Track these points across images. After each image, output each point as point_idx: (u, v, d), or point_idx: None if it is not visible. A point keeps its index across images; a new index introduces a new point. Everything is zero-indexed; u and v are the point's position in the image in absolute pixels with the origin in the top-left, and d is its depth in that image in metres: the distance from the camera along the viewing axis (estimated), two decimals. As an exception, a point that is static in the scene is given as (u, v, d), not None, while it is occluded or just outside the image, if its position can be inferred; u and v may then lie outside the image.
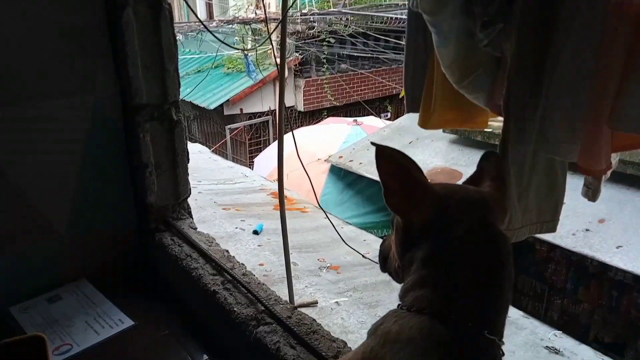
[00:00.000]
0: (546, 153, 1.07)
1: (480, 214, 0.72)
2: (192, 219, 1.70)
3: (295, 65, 9.33)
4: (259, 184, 4.46)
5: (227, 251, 1.48)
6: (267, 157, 6.89)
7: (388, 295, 2.76)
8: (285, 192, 3.70)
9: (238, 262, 1.43)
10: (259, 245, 3.30)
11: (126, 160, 1.58)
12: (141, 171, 1.54)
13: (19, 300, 1.47)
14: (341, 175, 5.77)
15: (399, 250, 0.82)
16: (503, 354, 0.73)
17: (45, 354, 0.96)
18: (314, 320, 1.16)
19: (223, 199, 4.19)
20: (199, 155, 5.42)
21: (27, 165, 1.43)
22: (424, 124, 1.31)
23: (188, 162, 1.63)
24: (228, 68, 9.71)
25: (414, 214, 0.75)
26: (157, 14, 1.45)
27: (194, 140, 10.81)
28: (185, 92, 9.48)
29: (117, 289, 1.54)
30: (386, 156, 0.74)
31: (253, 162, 7.67)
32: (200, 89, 9.40)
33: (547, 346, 2.51)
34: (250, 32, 9.30)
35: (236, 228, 3.58)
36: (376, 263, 2.64)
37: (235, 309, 1.21)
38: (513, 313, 2.74)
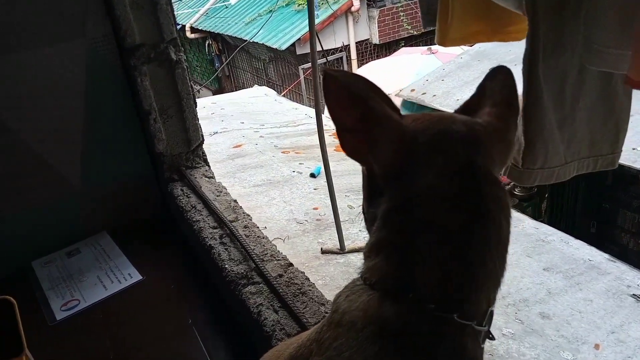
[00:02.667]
0: (589, 64, 0.78)
1: (464, 155, 0.51)
2: (209, 166, 1.59)
3: (368, -6, 8.78)
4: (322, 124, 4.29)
5: (236, 201, 1.36)
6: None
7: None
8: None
9: (245, 213, 1.31)
10: (314, 189, 3.19)
11: (132, 105, 1.48)
12: (145, 118, 1.44)
13: (42, 254, 1.48)
14: (414, 109, 5.41)
15: (365, 203, 0.63)
16: (488, 339, 0.54)
17: (15, 318, 0.91)
18: (307, 279, 1.02)
19: (284, 142, 4.11)
20: (264, 98, 5.34)
21: (31, 120, 1.38)
22: (442, 39, 1.05)
23: (195, 105, 1.50)
24: (299, 5, 9.38)
25: (374, 158, 0.55)
26: (138, -61, 1.28)
27: (271, 83, 10.81)
28: (259, 35, 9.39)
29: (135, 240, 1.50)
30: (335, 83, 0.53)
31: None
32: (273, 30, 9.24)
33: (634, 294, 2.19)
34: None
35: (293, 172, 3.49)
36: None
37: (227, 265, 1.10)
38: (595, 256, 2.42)
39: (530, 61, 0.82)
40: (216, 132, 4.20)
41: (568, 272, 2.27)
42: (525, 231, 2.60)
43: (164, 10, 1.36)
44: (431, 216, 0.49)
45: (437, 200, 0.49)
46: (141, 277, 1.33)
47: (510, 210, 0.53)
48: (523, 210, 4.71)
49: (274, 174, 3.42)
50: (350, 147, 0.56)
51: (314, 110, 4.88)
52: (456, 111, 0.62)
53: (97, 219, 1.55)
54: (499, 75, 0.61)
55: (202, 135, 1.55)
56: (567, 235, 2.56)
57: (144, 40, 1.37)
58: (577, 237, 2.54)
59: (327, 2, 8.21)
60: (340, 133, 0.55)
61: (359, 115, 0.53)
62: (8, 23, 1.28)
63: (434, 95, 5.00)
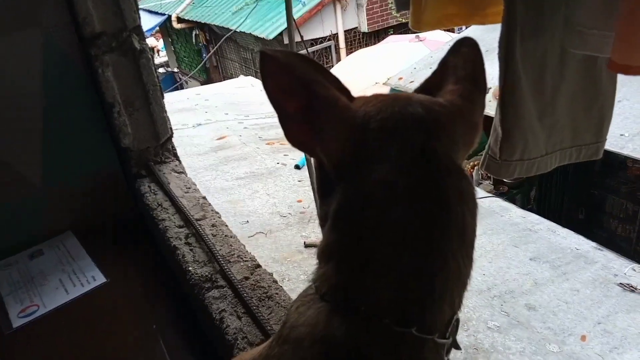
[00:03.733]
0: (570, 47, 0.72)
1: (420, 141, 0.44)
2: (179, 161, 1.52)
3: (355, -19, 8.65)
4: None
5: (205, 198, 1.29)
6: (325, 85, 6.57)
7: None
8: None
9: (214, 211, 1.24)
10: (299, 181, 3.13)
11: (96, 98, 1.40)
12: (109, 111, 1.36)
13: (3, 256, 1.40)
14: (401, 98, 5.35)
15: (318, 200, 0.56)
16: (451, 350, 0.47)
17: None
18: (274, 282, 0.95)
19: (268, 134, 4.03)
20: (250, 88, 5.25)
21: (-17, 116, 1.30)
22: (416, 23, 0.98)
23: (162, 97, 1.42)
24: (286, -7, 9.24)
25: (322, 148, 0.49)
26: None
27: (259, 73, 10.68)
28: (246, 24, 9.25)
29: (101, 240, 1.43)
30: (274, 65, 0.46)
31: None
32: (260, 19, 9.12)
33: (620, 283, 2.16)
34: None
35: (277, 163, 3.43)
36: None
37: (190, 267, 1.03)
38: (583, 244, 2.38)
39: (506, 44, 0.76)
40: (199, 124, 4.12)
41: (555, 261, 2.23)
42: (512, 220, 2.56)
43: (124, -4, 1.28)
44: (384, 215, 0.43)
45: (390, 196, 0.43)
46: (105, 280, 1.26)
47: (476, 201, 0.46)
48: (512, 198, 4.69)
49: (258, 166, 3.36)
50: (294, 137, 0.49)
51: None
52: (416, 90, 0.55)
53: (62, 218, 1.47)
54: (463, 48, 0.54)
55: (171, 129, 1.48)
56: (554, 224, 2.53)
57: (104, 29, 1.29)
58: (566, 224, 2.50)
59: (313, -11, 8.09)
60: (283, 121, 0.49)
61: (303, 101, 0.46)
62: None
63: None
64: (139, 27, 1.34)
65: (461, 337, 1.82)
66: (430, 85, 0.54)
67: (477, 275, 2.05)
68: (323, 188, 0.53)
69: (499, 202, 2.65)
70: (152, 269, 1.29)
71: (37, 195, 1.42)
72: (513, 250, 2.28)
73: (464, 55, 0.53)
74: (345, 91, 0.49)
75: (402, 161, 0.43)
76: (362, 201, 0.44)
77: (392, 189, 0.43)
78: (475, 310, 1.94)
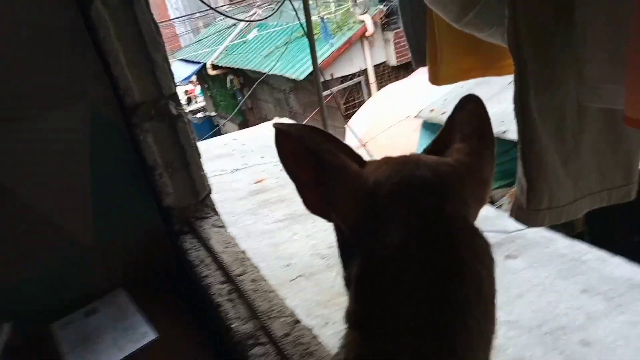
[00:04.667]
0: (584, 101, 0.73)
1: (430, 204, 0.46)
2: (218, 215, 1.58)
3: (381, 18, 8.83)
4: (342, 152, 4.26)
5: (244, 252, 1.34)
6: (358, 121, 6.66)
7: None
8: (370, 159, 3.52)
9: (253, 265, 1.28)
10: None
11: (138, 161, 1.49)
12: (151, 173, 1.45)
13: (61, 315, 1.48)
14: (435, 130, 5.33)
15: (341, 264, 0.59)
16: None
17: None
18: (314, 337, 0.98)
19: (304, 174, 4.09)
20: (284, 130, 5.37)
21: (38, 183, 1.40)
22: (434, 79, 1.01)
23: (199, 157, 1.50)
24: (315, 34, 9.52)
25: (337, 215, 0.52)
26: (130, 0, 1.31)
27: (292, 113, 10.92)
28: (277, 67, 9.54)
29: (149, 296, 1.49)
30: (287, 138, 0.51)
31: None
32: (290, 61, 9.39)
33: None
34: (331, -8, 8.98)
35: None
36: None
37: (234, 324, 1.07)
38: (637, 274, 2.27)
39: (521, 100, 0.78)
40: (237, 169, 4.24)
41: (608, 293, 2.14)
42: (557, 251, 2.48)
43: (161, 67, 1.38)
44: (399, 281, 0.44)
45: (404, 261, 0.44)
46: (155, 336, 1.31)
47: (491, 256, 0.47)
48: (555, 226, 4.54)
49: (296, 208, 3.41)
50: (310, 205, 0.53)
51: (333, 139, 4.86)
52: (426, 149, 0.58)
53: (112, 276, 1.55)
54: (468, 105, 0.56)
55: (209, 186, 1.55)
56: (604, 252, 2.43)
57: (144, 98, 1.39)
58: (619, 248, 2.39)
59: (341, 29, 8.29)
60: (299, 189, 0.52)
61: (315, 170, 0.49)
62: (13, 93, 1.31)
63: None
64: (174, 94, 1.44)
65: (514, 378, 1.76)
66: (439, 144, 0.56)
67: (526, 312, 2.00)
68: (344, 251, 0.56)
69: (542, 232, 2.58)
70: (199, 324, 1.34)
71: (88, 254, 1.51)
72: (562, 283, 2.21)
73: (470, 112, 0.55)
74: (356, 158, 0.53)
75: (413, 225, 0.45)
76: (378, 267, 0.46)
77: (405, 253, 0.44)
78: (527, 349, 1.87)
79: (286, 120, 5.76)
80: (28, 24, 1.28)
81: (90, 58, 1.36)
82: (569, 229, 4.71)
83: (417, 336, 0.43)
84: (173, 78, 1.42)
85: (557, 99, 0.80)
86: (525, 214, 0.86)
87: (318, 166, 0.49)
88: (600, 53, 0.70)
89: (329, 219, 0.54)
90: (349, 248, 0.51)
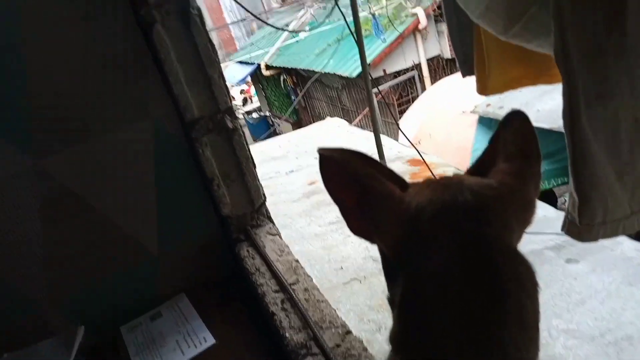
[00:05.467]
0: (636, 113, 0.71)
1: (471, 229, 0.46)
2: (273, 223, 1.64)
3: (434, 10, 8.65)
4: (395, 152, 4.28)
5: (297, 261, 1.38)
6: (410, 118, 6.57)
7: (538, 268, 2.37)
8: (424, 157, 3.46)
9: (306, 274, 1.32)
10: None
11: (197, 172, 1.58)
12: (209, 184, 1.52)
13: (129, 319, 1.60)
14: (492, 125, 5.19)
15: (387, 285, 0.61)
16: None
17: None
18: (365, 349, 1.00)
19: (356, 175, 4.11)
20: (337, 129, 5.41)
21: (110, 197, 1.51)
22: (482, 89, 1.01)
23: (254, 167, 1.56)
24: (365, 30, 9.48)
25: (380, 239, 0.54)
26: (187, 23, 1.38)
27: (345, 110, 10.93)
28: (329, 65, 9.58)
29: (209, 302, 1.57)
30: (330, 163, 0.53)
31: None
32: (342, 58, 9.40)
33: None
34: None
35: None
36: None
37: (287, 334, 1.12)
38: None
39: (571, 113, 0.76)
40: (292, 171, 4.32)
41: (679, 301, 2.02)
42: (624, 254, 2.36)
43: (217, 83, 1.45)
44: (440, 307, 0.45)
45: (445, 287, 0.45)
46: (214, 341, 1.38)
47: (535, 282, 0.47)
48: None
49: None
50: (355, 228, 0.55)
51: (385, 137, 4.82)
52: (468, 170, 0.58)
53: (175, 281, 1.65)
54: (513, 123, 0.55)
55: (264, 195, 1.60)
56: (675, 256, 2.30)
57: (202, 113, 1.46)
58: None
59: (393, 24, 8.21)
60: (343, 213, 0.55)
61: (359, 194, 0.51)
62: (80, 115, 1.42)
63: (513, 108, 4.78)
64: (230, 108, 1.50)
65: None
66: (483, 163, 0.56)
67: (588, 320, 1.92)
68: (388, 273, 0.58)
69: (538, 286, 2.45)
70: (255, 330, 1.40)
71: (153, 261, 1.61)
72: (628, 289, 2.11)
73: (515, 130, 0.54)
74: (399, 181, 0.54)
75: (454, 251, 0.46)
76: (419, 292, 0.47)
77: (446, 280, 0.45)
78: None
79: (339, 120, 5.79)
80: (98, 49, 1.38)
81: (153, 78, 1.45)
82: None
83: None
84: (228, 93, 1.49)
85: (609, 111, 0.78)
86: (577, 229, 0.84)
87: (361, 191, 0.52)
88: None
89: (373, 242, 0.56)
90: (393, 271, 0.53)
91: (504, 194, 0.49)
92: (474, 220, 0.47)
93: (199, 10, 1.40)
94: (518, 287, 0.46)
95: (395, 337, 0.50)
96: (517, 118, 0.56)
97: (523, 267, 0.47)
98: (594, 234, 0.84)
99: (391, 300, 0.56)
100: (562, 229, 0.88)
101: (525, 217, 0.51)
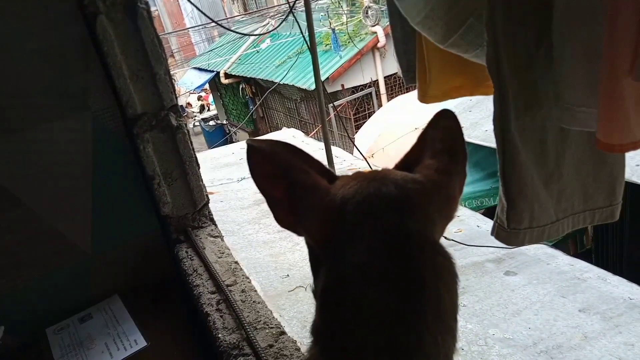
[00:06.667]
0: (561, 123, 0.75)
1: (393, 221, 0.46)
2: (215, 225, 1.60)
3: (393, 30, 8.86)
4: (348, 163, 4.32)
5: (237, 262, 1.36)
6: (366, 132, 6.67)
7: (478, 279, 2.45)
8: (375, 169, 3.53)
9: (245, 276, 1.30)
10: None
11: (138, 171, 1.53)
12: (150, 183, 1.48)
13: (56, 320, 1.51)
14: (443, 142, 5.32)
15: (313, 277, 0.60)
16: None
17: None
18: (298, 349, 0.99)
19: (309, 185, 4.13)
20: (292, 140, 5.42)
21: (41, 191, 1.44)
22: (423, 97, 1.03)
23: (198, 167, 1.53)
24: (326, 45, 9.58)
25: (305, 231, 0.53)
26: (134, 16, 1.35)
27: (303, 122, 10.97)
28: (288, 76, 9.61)
29: (143, 304, 1.51)
30: (258, 154, 0.52)
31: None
32: (302, 71, 9.45)
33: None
34: (343, 3, 9.04)
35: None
36: (462, 244, 2.35)
37: (220, 334, 1.09)
38: (636, 294, 2.24)
39: (501, 121, 0.79)
40: (244, 178, 4.27)
41: (606, 313, 2.12)
42: (558, 269, 2.47)
43: (162, 79, 1.41)
44: (360, 297, 0.45)
45: (365, 277, 0.45)
46: (146, 344, 1.33)
47: (454, 274, 0.48)
48: (565, 242, 4.50)
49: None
50: (281, 220, 0.54)
51: (340, 149, 4.88)
52: (396, 165, 0.58)
53: (109, 283, 1.58)
54: (442, 121, 0.56)
55: (207, 196, 1.57)
56: (605, 271, 2.42)
57: (145, 110, 1.42)
58: (628, 264, 2.35)
59: (352, 41, 8.34)
60: (270, 205, 0.54)
61: (286, 186, 0.50)
62: (14, 104, 1.35)
63: (462, 127, 4.94)
64: (175, 106, 1.47)
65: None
66: (410, 159, 0.56)
67: (522, 329, 1.99)
68: (314, 265, 0.57)
69: (544, 249, 2.57)
70: (189, 333, 1.35)
71: (87, 261, 1.54)
72: (560, 300, 2.20)
73: (443, 128, 0.56)
74: (327, 174, 0.54)
75: (375, 242, 0.46)
76: (340, 283, 0.47)
77: (367, 270, 0.45)
78: (521, 367, 1.86)
79: (295, 131, 5.80)
80: (35, 36, 1.32)
81: (94, 71, 1.40)
82: (577, 246, 4.65)
83: (374, 352, 0.44)
84: (174, 90, 1.45)
85: (537, 121, 0.81)
86: (506, 233, 0.87)
87: (288, 183, 0.51)
88: (578, 78, 0.72)
89: (299, 234, 0.55)
90: (318, 263, 0.53)
91: (428, 188, 0.50)
92: (396, 212, 0.47)
93: (147, 4, 1.37)
94: (436, 278, 0.46)
95: (316, 329, 0.50)
96: (446, 117, 0.57)
97: (443, 260, 0.48)
98: (520, 239, 0.87)
99: (315, 293, 0.55)
100: (492, 233, 0.91)
101: (447, 212, 0.52)
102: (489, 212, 4.48)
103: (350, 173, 0.55)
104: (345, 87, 9.18)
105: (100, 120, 1.44)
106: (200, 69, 13.67)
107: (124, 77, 1.37)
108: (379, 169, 0.59)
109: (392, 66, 9.34)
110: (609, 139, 0.63)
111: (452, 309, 0.48)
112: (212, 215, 1.62)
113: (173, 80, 1.44)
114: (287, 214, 0.53)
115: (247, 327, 1.06)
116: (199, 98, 17.64)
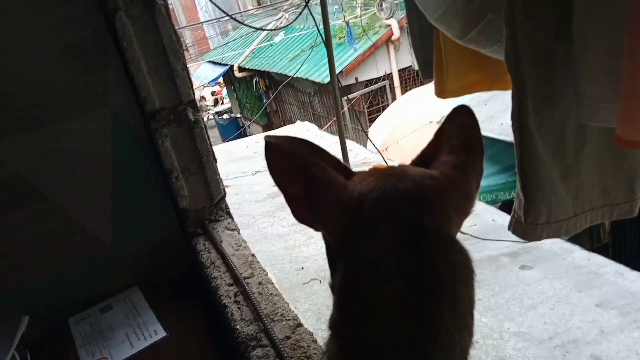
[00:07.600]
0: (581, 119, 0.74)
1: (410, 218, 0.47)
2: (232, 218, 1.62)
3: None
4: (362, 157, 4.31)
5: (253, 255, 1.38)
6: (380, 126, 6.65)
7: (493, 273, 2.44)
8: (390, 163, 3.52)
9: (261, 268, 1.32)
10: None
11: (157, 165, 1.55)
12: (168, 176, 1.50)
13: (78, 311, 1.55)
14: (458, 136, 5.29)
15: (330, 271, 0.61)
16: None
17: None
18: (314, 341, 1.00)
19: (323, 178, 4.14)
20: (306, 133, 5.42)
21: (64, 185, 1.47)
22: (440, 92, 1.03)
23: (215, 161, 1.55)
24: (339, 39, 9.55)
25: (323, 227, 0.54)
26: (152, 12, 1.36)
27: (316, 116, 10.97)
28: (302, 70, 9.60)
29: (162, 295, 1.54)
30: (275, 151, 0.53)
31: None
32: (315, 64, 9.44)
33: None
34: (357, -4, 8.99)
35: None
36: (477, 238, 2.34)
37: (238, 326, 1.11)
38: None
39: (519, 116, 0.79)
40: (258, 171, 4.30)
41: (624, 308, 2.11)
42: (575, 263, 2.45)
43: (180, 75, 1.43)
44: (377, 293, 0.45)
45: (382, 273, 0.45)
46: (165, 334, 1.36)
47: (470, 270, 0.48)
48: (581, 234, 4.45)
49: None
50: (299, 216, 0.55)
51: (354, 143, 4.88)
52: (413, 160, 0.59)
53: (129, 274, 1.61)
54: (458, 117, 0.56)
55: (224, 189, 1.59)
56: (622, 266, 2.39)
57: (163, 105, 1.44)
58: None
59: (366, 34, 8.30)
60: (288, 201, 0.55)
61: (303, 182, 0.51)
62: (38, 100, 1.38)
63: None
64: (192, 100, 1.48)
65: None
66: (427, 155, 0.57)
67: (538, 323, 1.98)
68: (331, 260, 0.58)
69: (560, 243, 2.55)
70: (207, 324, 1.38)
71: (106, 253, 1.57)
72: (577, 295, 2.18)
73: (460, 124, 0.56)
74: (344, 170, 0.55)
75: (392, 238, 0.46)
76: (358, 279, 0.47)
77: (384, 266, 0.46)
78: (536, 362, 1.86)
79: (309, 124, 5.81)
80: (57, 33, 1.35)
81: (114, 67, 1.42)
82: (594, 240, 4.60)
83: (392, 348, 0.45)
84: (192, 85, 1.47)
85: (556, 116, 0.81)
86: (523, 228, 0.87)
87: (305, 179, 0.52)
88: (598, 73, 0.71)
89: (317, 229, 0.56)
90: (335, 258, 0.54)
91: (445, 184, 0.50)
92: (413, 209, 0.47)
93: (165, 0, 1.39)
94: (453, 274, 0.46)
95: (334, 323, 0.51)
96: (463, 113, 0.57)
97: (459, 255, 0.48)
98: (538, 234, 0.87)
99: (332, 287, 0.56)
100: (509, 228, 0.91)
101: (464, 208, 0.52)
102: (504, 206, 4.45)
103: (364, 167, 0.56)
104: (360, 80, 9.15)
105: (120, 116, 1.47)
106: (214, 63, 13.72)
107: (142, 72, 1.39)
108: (396, 164, 0.59)
109: (407, 59, 9.29)
110: (629, 135, 0.63)
111: (469, 305, 0.48)
112: (228, 208, 1.64)
113: (198, 83, 1.46)
114: (304, 210, 0.54)
115: (264, 318, 1.08)
116: (213, 92, 17.73)
